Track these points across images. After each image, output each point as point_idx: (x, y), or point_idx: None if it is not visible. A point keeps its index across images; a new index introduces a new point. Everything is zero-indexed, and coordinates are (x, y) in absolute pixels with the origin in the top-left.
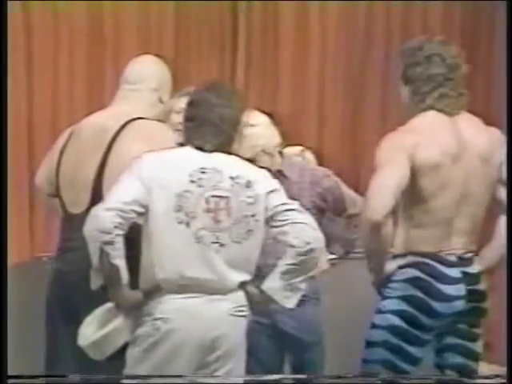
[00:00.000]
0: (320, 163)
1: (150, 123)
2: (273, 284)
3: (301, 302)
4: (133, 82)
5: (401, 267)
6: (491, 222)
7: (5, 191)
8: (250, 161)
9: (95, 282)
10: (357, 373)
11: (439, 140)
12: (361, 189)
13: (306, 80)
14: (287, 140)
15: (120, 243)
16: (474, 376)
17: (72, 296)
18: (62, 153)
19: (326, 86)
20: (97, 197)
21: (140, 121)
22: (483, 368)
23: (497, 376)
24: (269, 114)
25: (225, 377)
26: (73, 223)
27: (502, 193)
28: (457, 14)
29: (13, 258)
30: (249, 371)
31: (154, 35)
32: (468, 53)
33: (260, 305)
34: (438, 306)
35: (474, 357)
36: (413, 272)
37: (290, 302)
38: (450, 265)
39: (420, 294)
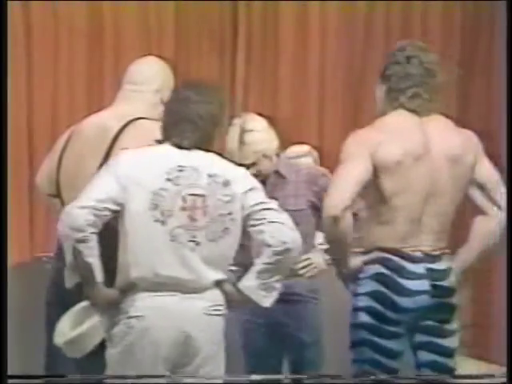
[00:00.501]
0: (321, 163)
1: (151, 123)
2: (249, 283)
3: (300, 302)
4: (135, 83)
5: (366, 263)
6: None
7: (5, 191)
8: (252, 165)
9: (69, 281)
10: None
11: (403, 139)
12: None
13: (306, 80)
14: (285, 142)
15: (93, 241)
16: (473, 376)
17: (72, 295)
18: (62, 152)
19: (326, 86)
20: None
21: (141, 121)
22: (483, 368)
23: (488, 376)
24: (267, 117)
25: (220, 377)
26: None
27: (477, 194)
28: (457, 14)
29: (13, 258)
30: (248, 371)
31: (154, 35)
32: (468, 53)
33: (237, 303)
34: (401, 300)
35: (447, 353)
36: (377, 268)
37: (267, 301)
38: (415, 261)
39: (384, 290)
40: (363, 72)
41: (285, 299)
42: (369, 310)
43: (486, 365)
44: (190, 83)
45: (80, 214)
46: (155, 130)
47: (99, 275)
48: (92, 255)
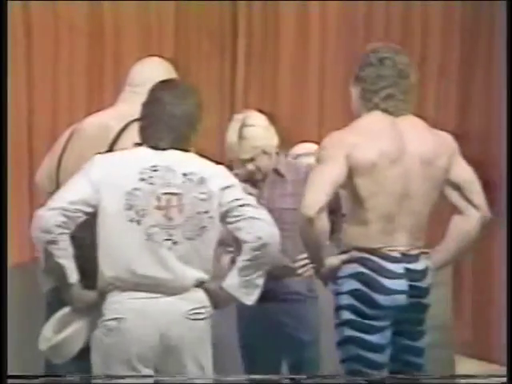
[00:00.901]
0: None
1: None
2: (232, 281)
3: (299, 301)
4: (137, 85)
5: (345, 262)
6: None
7: (5, 191)
8: (250, 160)
9: (45, 284)
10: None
11: (378, 141)
12: None
13: (306, 80)
14: (286, 140)
15: (65, 242)
16: (473, 376)
17: None
18: (63, 151)
19: (326, 86)
20: None
21: None
22: (483, 368)
23: (488, 376)
24: (268, 114)
25: (220, 377)
26: None
27: (454, 195)
28: (457, 14)
29: (13, 258)
30: (247, 371)
31: (154, 35)
32: (468, 53)
33: (222, 303)
34: (380, 298)
35: (420, 354)
36: (356, 267)
37: (250, 298)
38: (393, 260)
39: (363, 288)
40: None
41: (284, 298)
42: (351, 308)
43: (486, 365)
44: (165, 84)
45: (50, 215)
46: None
47: (73, 276)
48: (64, 256)
